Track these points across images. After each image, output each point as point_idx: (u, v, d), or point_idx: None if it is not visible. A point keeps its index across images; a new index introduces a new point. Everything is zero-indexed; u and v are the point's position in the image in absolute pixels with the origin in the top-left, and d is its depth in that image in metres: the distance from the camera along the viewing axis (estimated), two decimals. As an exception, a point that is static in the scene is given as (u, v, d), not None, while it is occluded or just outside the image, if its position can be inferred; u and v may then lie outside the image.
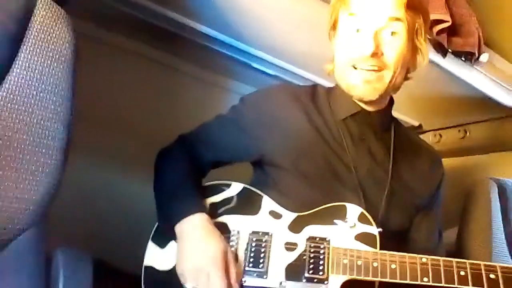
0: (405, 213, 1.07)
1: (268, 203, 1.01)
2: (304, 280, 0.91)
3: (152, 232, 1.01)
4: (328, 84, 1.58)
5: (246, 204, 1.00)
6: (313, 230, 0.96)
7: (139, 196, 1.62)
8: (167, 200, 0.99)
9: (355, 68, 0.97)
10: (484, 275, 0.87)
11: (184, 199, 0.98)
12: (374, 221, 0.95)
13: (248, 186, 1.04)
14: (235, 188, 1.03)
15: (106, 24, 1.43)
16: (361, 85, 0.96)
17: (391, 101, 1.08)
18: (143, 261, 0.99)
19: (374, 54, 0.93)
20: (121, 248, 1.38)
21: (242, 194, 1.01)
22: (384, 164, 1.05)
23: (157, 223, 1.02)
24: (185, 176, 1.03)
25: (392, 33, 0.94)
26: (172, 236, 0.96)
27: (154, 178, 1.07)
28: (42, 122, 0.72)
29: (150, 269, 0.97)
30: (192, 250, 0.90)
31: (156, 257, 0.98)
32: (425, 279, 0.87)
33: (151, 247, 0.99)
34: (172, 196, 0.99)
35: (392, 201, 1.03)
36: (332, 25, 1.04)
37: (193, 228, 0.93)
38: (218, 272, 0.87)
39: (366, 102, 1.02)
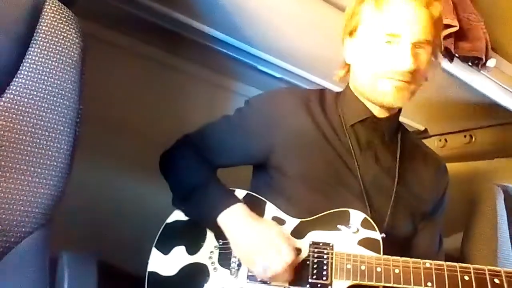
0: (411, 219, 1.06)
1: (271, 209, 1.01)
2: (307, 285, 0.91)
3: (156, 239, 1.02)
4: (333, 87, 1.59)
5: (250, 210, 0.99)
6: (316, 235, 0.96)
7: (143, 198, 1.63)
8: (200, 194, 1.00)
9: (383, 76, 0.96)
10: (488, 279, 0.86)
11: (220, 191, 1.01)
12: (379, 227, 0.95)
13: (251, 193, 1.04)
14: (238, 194, 1.03)
15: (112, 25, 1.43)
16: (392, 92, 0.95)
17: (400, 108, 1.08)
18: (147, 263, 0.99)
19: (413, 70, 0.93)
20: (126, 250, 1.38)
21: (245, 200, 1.01)
22: (390, 170, 1.05)
23: (161, 230, 1.03)
24: (209, 170, 1.06)
25: (422, 49, 0.95)
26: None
27: (170, 176, 1.08)
28: (48, 125, 0.72)
29: (154, 274, 0.98)
30: (252, 233, 0.92)
31: (160, 263, 0.99)
32: (429, 283, 0.87)
33: (155, 253, 1.00)
34: (204, 190, 1.00)
35: (398, 207, 1.03)
36: (350, 32, 1.01)
37: (241, 215, 0.95)
38: (286, 242, 0.90)
39: (385, 108, 1.02)
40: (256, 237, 0.92)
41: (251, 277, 0.94)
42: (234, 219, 0.95)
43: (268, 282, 0.93)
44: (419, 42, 0.93)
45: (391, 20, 0.93)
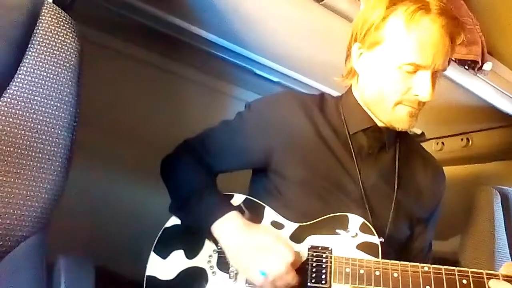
0: (409, 225, 1.07)
1: (270, 213, 1.00)
2: (307, 289, 0.91)
3: (154, 243, 1.02)
4: (330, 91, 1.59)
5: (249, 214, 0.99)
6: (315, 239, 0.95)
7: (142, 202, 1.63)
8: (194, 203, 0.99)
9: (399, 103, 0.95)
10: (486, 283, 0.86)
11: (214, 200, 1.00)
12: (381, 233, 0.95)
13: (250, 197, 1.03)
14: (238, 199, 1.03)
15: (110, 29, 1.44)
16: (407, 119, 0.97)
17: None
18: (145, 268, 0.99)
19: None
20: (124, 255, 1.38)
21: (244, 204, 1.01)
22: (390, 176, 1.05)
23: (159, 235, 1.03)
24: (206, 178, 1.05)
25: (436, 76, 0.95)
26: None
27: (169, 183, 1.08)
28: (45, 128, 0.71)
29: (152, 278, 0.98)
30: (247, 241, 0.92)
31: (158, 267, 0.98)
32: (428, 287, 0.87)
33: (153, 257, 1.00)
34: (199, 198, 0.99)
35: (398, 213, 1.03)
36: (369, 44, 0.96)
37: (235, 224, 0.94)
38: (284, 243, 0.90)
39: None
40: (251, 244, 0.91)
41: (247, 281, 0.93)
42: (227, 228, 0.94)
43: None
44: (438, 71, 0.94)
45: (418, 49, 0.90)
